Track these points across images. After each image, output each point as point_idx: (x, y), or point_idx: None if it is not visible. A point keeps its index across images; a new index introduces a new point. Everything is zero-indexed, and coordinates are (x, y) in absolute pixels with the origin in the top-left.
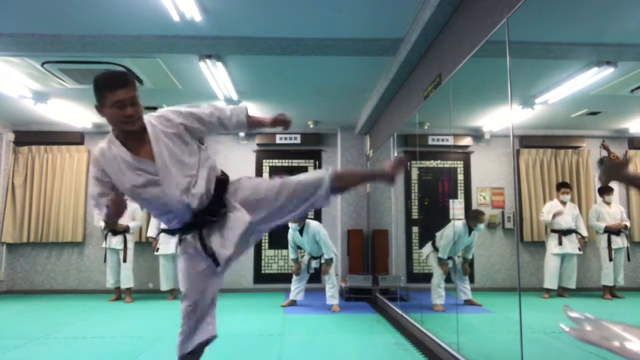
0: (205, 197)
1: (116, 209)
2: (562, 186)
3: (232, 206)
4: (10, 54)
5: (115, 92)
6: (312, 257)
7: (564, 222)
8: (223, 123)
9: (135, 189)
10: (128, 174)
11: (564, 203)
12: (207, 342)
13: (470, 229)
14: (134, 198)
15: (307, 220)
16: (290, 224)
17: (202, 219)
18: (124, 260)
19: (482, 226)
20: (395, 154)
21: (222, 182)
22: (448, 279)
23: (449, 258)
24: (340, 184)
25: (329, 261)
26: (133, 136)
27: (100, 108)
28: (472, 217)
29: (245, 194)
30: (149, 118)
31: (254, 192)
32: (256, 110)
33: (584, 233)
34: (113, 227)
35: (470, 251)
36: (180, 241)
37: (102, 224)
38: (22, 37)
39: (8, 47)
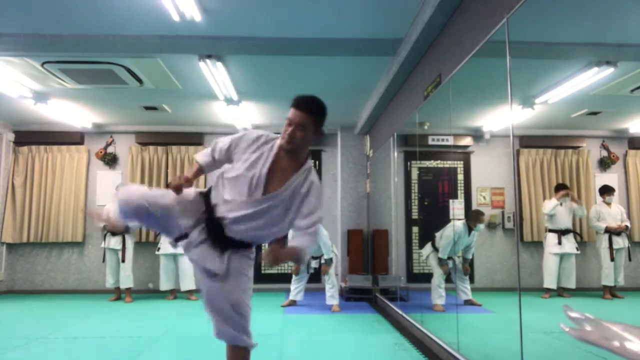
0: (233, 234)
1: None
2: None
3: (225, 255)
4: (10, 54)
5: (291, 108)
6: (312, 257)
7: (562, 221)
8: (297, 232)
9: (233, 177)
10: (247, 167)
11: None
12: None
13: (470, 229)
14: (223, 180)
15: None
16: None
17: (212, 225)
18: (123, 261)
19: (482, 226)
20: (395, 154)
21: (249, 249)
22: (448, 279)
23: (449, 258)
24: None
25: (329, 261)
26: (289, 159)
27: None
28: (472, 217)
29: (237, 286)
30: (309, 168)
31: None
32: (256, 110)
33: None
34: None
35: (470, 251)
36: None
37: (102, 224)
38: (22, 37)
39: (8, 47)
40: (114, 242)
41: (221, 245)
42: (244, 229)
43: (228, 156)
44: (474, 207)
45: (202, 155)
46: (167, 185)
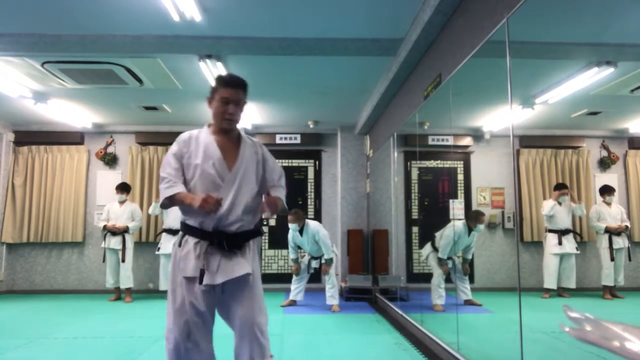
0: (236, 225)
1: (208, 209)
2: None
3: (247, 252)
4: (10, 54)
5: (225, 88)
6: (312, 257)
7: (561, 221)
8: (272, 188)
9: (199, 176)
10: (202, 160)
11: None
12: None
13: (470, 229)
14: (190, 180)
15: (307, 220)
16: (290, 224)
17: (218, 238)
18: (123, 261)
19: (481, 227)
20: (395, 154)
21: (256, 231)
22: (448, 279)
23: (449, 258)
24: None
25: (329, 261)
26: (226, 138)
27: (210, 100)
28: (472, 217)
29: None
30: (246, 136)
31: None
32: (256, 110)
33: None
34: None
35: (470, 251)
36: (181, 241)
37: (102, 224)
38: (22, 37)
39: (8, 47)
40: (114, 242)
41: (235, 246)
42: (241, 213)
43: (183, 171)
44: (474, 207)
45: (173, 189)
46: (203, 207)
